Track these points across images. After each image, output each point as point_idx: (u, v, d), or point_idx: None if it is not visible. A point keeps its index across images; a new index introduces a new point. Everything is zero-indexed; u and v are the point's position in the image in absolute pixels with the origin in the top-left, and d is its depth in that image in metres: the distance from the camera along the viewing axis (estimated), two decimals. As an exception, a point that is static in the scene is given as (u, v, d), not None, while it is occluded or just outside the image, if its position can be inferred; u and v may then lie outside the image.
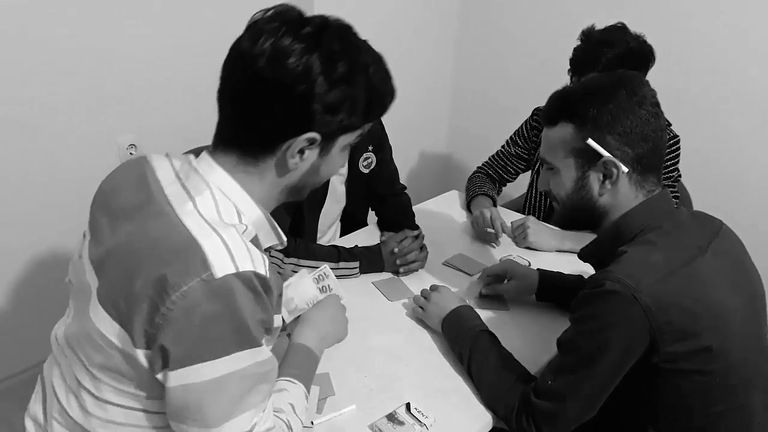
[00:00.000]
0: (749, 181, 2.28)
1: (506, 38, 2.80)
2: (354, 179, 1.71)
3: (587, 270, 1.16)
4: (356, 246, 1.56)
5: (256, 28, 0.77)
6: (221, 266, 0.72)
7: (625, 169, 0.99)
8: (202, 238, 0.74)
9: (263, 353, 0.78)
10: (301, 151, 0.81)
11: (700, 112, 2.29)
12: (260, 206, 0.85)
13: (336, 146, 0.84)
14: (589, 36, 1.64)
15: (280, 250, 1.47)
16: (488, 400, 1.10)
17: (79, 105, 1.89)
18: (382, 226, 1.77)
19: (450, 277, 1.55)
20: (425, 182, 2.95)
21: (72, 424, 0.86)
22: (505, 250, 1.70)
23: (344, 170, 1.68)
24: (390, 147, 1.77)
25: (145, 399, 0.81)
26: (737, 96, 2.22)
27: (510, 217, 1.86)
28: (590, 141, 0.98)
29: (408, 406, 1.08)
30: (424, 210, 1.92)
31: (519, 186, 2.18)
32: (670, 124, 1.72)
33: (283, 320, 1.12)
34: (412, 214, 1.78)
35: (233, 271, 0.72)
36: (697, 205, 1.94)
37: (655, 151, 1.02)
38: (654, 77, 1.32)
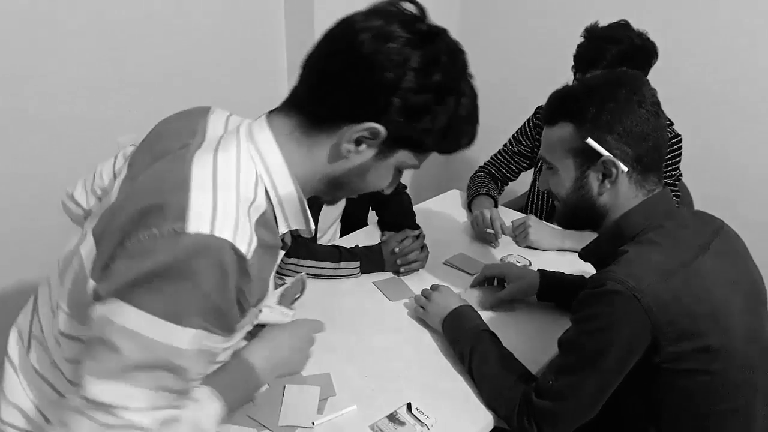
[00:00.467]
0: (752, 180, 2.28)
1: (508, 37, 2.80)
2: None
3: (588, 270, 1.16)
4: (357, 246, 1.56)
5: (374, 8, 0.75)
6: (197, 223, 0.67)
7: (624, 168, 0.99)
8: (194, 189, 0.70)
9: (187, 343, 0.68)
10: (359, 142, 0.76)
11: (702, 111, 2.28)
12: (296, 183, 0.79)
13: (393, 157, 0.80)
14: (592, 33, 1.65)
15: (280, 250, 1.47)
16: (489, 400, 1.10)
17: (80, 105, 1.89)
18: (383, 225, 1.77)
19: (451, 276, 1.55)
20: (426, 182, 2.95)
21: (44, 348, 0.86)
22: (505, 249, 1.70)
23: None
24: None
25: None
26: (740, 95, 2.21)
27: (511, 216, 1.85)
28: (589, 140, 0.98)
29: (409, 406, 1.08)
30: (424, 209, 1.92)
31: (522, 183, 2.18)
32: (671, 123, 1.72)
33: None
34: (413, 214, 1.78)
35: (207, 232, 0.66)
36: (699, 205, 1.94)
37: (656, 150, 1.02)
38: (656, 76, 1.32)
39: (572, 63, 1.68)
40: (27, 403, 0.89)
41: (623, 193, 1.02)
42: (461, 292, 1.41)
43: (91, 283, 0.74)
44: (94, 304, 0.69)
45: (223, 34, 2.21)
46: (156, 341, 0.66)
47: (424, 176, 2.97)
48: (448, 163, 3.08)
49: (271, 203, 0.78)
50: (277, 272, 1.47)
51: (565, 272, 1.44)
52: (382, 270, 1.54)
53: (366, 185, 0.84)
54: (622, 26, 1.63)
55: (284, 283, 1.41)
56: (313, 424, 1.03)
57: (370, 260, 1.52)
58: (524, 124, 1.98)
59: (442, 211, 1.94)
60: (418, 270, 1.56)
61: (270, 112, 0.81)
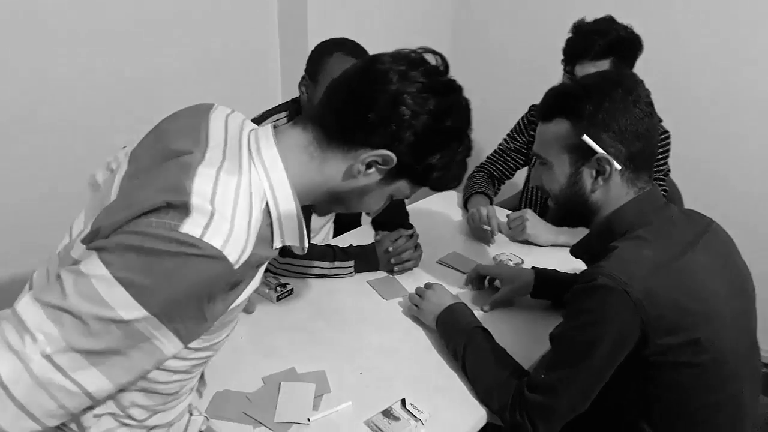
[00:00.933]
0: (740, 178, 2.31)
1: (501, 40, 2.83)
2: None
3: (581, 267, 1.17)
4: (351, 245, 1.57)
5: (403, 53, 0.84)
6: (191, 227, 0.68)
7: (618, 166, 1.00)
8: (195, 196, 0.70)
9: (133, 318, 0.66)
10: (370, 165, 0.83)
11: (691, 109, 2.32)
12: (297, 201, 0.82)
13: (393, 185, 0.87)
14: (579, 27, 1.69)
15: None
16: (482, 395, 1.12)
17: (76, 109, 1.90)
18: (376, 225, 1.78)
19: (444, 275, 1.56)
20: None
21: None
22: (498, 248, 1.72)
23: None
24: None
25: None
26: (729, 93, 2.25)
27: (503, 215, 1.87)
28: (585, 137, 1.00)
29: (403, 401, 1.09)
30: (419, 209, 1.94)
31: (511, 186, 2.20)
32: (660, 120, 1.74)
33: None
34: (406, 214, 1.79)
35: (197, 235, 0.68)
36: (688, 203, 1.96)
37: (648, 149, 1.05)
38: (645, 74, 1.33)
39: (562, 57, 1.71)
40: None
41: (615, 190, 1.03)
42: (457, 293, 1.42)
43: (81, 248, 0.74)
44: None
45: (220, 38, 2.23)
46: (104, 299, 0.65)
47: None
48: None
49: (270, 218, 0.81)
50: (272, 272, 1.48)
51: (558, 270, 1.45)
52: (376, 269, 1.55)
53: (361, 205, 0.91)
54: (608, 20, 1.68)
55: (278, 282, 1.43)
56: (309, 420, 1.04)
57: (364, 259, 1.54)
58: (518, 121, 2.01)
59: (436, 210, 1.96)
60: (412, 269, 1.57)
61: (284, 125, 0.87)
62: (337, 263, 1.50)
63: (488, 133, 2.12)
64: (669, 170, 1.82)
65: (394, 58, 0.83)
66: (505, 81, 2.84)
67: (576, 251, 1.12)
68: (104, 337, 0.66)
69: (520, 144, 1.99)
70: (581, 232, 1.14)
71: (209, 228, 0.69)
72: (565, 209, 1.10)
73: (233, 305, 0.79)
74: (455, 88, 0.85)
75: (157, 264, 0.67)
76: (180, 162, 0.76)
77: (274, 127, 0.86)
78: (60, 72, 1.84)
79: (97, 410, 0.78)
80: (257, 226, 0.76)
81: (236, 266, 0.71)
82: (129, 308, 0.66)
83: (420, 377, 1.18)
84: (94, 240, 0.71)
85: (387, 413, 1.07)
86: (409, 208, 1.84)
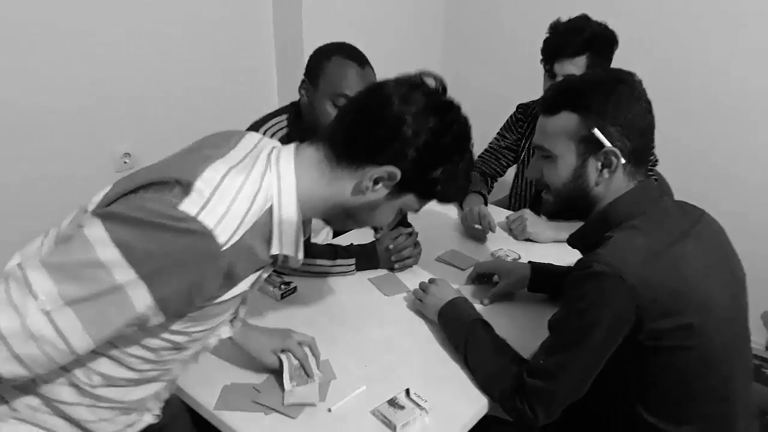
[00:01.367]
0: (728, 172, 2.38)
1: (491, 41, 2.90)
2: None
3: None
4: (352, 244, 1.60)
5: (404, 78, 0.91)
6: (189, 205, 0.75)
7: (623, 160, 1.03)
8: (200, 181, 0.78)
9: (123, 279, 0.73)
10: (377, 182, 0.89)
11: (676, 103, 2.40)
12: (299, 210, 0.89)
13: (400, 199, 0.93)
14: (556, 27, 1.75)
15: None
16: (483, 385, 1.15)
17: (75, 114, 1.92)
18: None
19: (443, 272, 1.60)
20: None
21: None
22: (495, 244, 1.76)
23: None
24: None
25: None
26: (711, 91, 2.33)
27: (500, 214, 1.92)
28: (596, 130, 1.02)
29: (407, 391, 1.12)
30: (416, 209, 1.97)
31: (502, 188, 2.26)
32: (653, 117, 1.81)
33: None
34: (405, 214, 1.82)
35: (193, 214, 0.75)
36: (679, 196, 2.01)
37: (648, 145, 1.09)
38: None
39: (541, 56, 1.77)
40: None
41: (616, 183, 1.06)
42: (457, 289, 1.46)
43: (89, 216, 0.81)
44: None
45: (219, 44, 2.26)
46: (98, 257, 0.72)
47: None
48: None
49: (272, 221, 0.87)
50: (275, 270, 1.51)
51: (554, 264, 1.49)
52: (377, 267, 1.59)
53: (372, 220, 0.98)
54: (582, 18, 1.74)
55: (282, 281, 1.46)
56: (330, 410, 1.08)
57: (365, 257, 1.57)
58: (507, 120, 2.09)
59: (433, 210, 1.97)
60: (411, 266, 1.61)
61: (298, 144, 0.94)
62: (339, 261, 1.54)
63: (480, 130, 2.17)
64: (657, 161, 1.87)
65: (396, 83, 0.89)
66: (495, 81, 2.91)
67: (572, 241, 1.16)
68: (90, 284, 0.73)
69: (510, 141, 2.06)
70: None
71: (205, 208, 0.76)
72: (566, 202, 1.12)
73: (222, 298, 0.86)
74: (453, 107, 0.91)
75: (152, 233, 0.74)
76: (203, 154, 0.85)
77: (299, 144, 0.94)
78: (55, 83, 1.87)
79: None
80: (254, 218, 0.83)
81: (224, 247, 0.78)
82: (119, 267, 0.73)
83: (423, 368, 1.21)
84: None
85: (392, 402, 1.10)
86: (406, 208, 1.88)
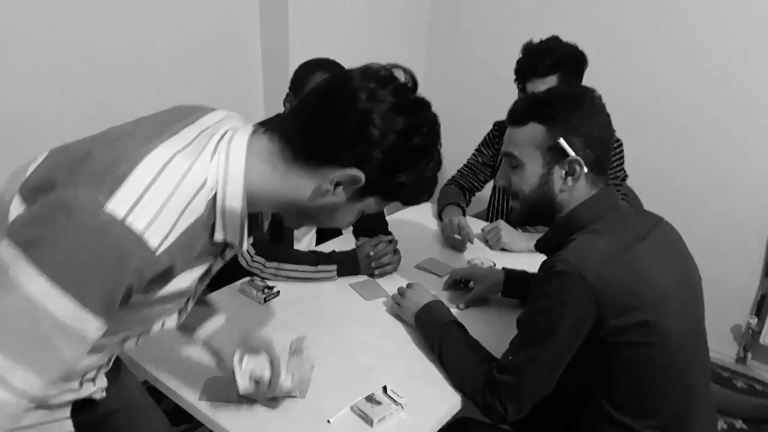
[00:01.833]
0: (687, 183, 2.50)
1: (470, 66, 3.02)
2: None
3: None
4: (333, 251, 1.66)
5: (373, 69, 0.83)
6: (116, 204, 0.69)
7: (585, 169, 1.11)
8: (136, 173, 0.72)
9: (35, 291, 0.66)
10: (338, 184, 0.83)
11: (641, 120, 2.53)
12: (244, 202, 0.83)
13: (363, 202, 0.87)
14: (528, 48, 1.84)
15: (260, 254, 1.56)
16: (457, 382, 1.20)
17: (59, 120, 1.94)
18: (357, 233, 1.87)
19: (422, 278, 1.65)
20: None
21: None
22: (472, 253, 1.83)
23: None
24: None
25: None
26: (677, 105, 2.45)
27: (478, 225, 1.99)
28: (561, 140, 1.10)
29: (384, 388, 1.17)
30: (399, 219, 2.05)
31: (480, 202, 2.34)
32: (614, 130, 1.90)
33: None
34: (386, 222, 1.89)
35: (120, 217, 0.69)
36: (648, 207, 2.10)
37: (607, 155, 1.17)
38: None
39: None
40: None
41: (579, 191, 1.14)
42: (434, 294, 1.51)
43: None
44: None
45: (216, 44, 2.31)
46: (29, 298, 0.66)
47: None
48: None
49: (215, 212, 0.82)
50: (259, 275, 1.56)
51: (527, 271, 1.56)
52: (357, 273, 1.64)
53: (330, 222, 0.92)
54: (553, 39, 1.84)
55: (265, 285, 1.51)
56: (329, 421, 1.10)
57: (346, 264, 1.62)
58: (485, 137, 2.17)
59: (414, 220, 2.07)
60: (391, 273, 1.67)
61: (256, 129, 0.86)
62: (321, 267, 1.59)
63: (459, 146, 2.25)
64: (626, 176, 1.96)
65: (363, 76, 0.82)
66: (475, 98, 3.02)
67: (539, 245, 1.22)
68: (26, 330, 0.67)
69: (487, 158, 2.14)
70: None
71: (135, 208, 0.70)
72: (533, 209, 1.18)
73: (162, 292, 0.81)
74: (423, 106, 0.85)
75: (78, 252, 0.67)
76: (151, 132, 0.79)
77: (254, 131, 0.86)
78: (46, 92, 1.90)
79: None
80: (196, 214, 0.78)
81: (159, 251, 0.73)
82: (27, 277, 0.66)
83: (400, 368, 1.26)
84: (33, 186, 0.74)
85: (370, 398, 1.14)
86: (390, 218, 1.95)
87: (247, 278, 1.56)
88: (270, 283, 1.53)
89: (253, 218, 0.90)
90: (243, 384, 1.03)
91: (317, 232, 1.94)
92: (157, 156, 0.75)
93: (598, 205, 1.13)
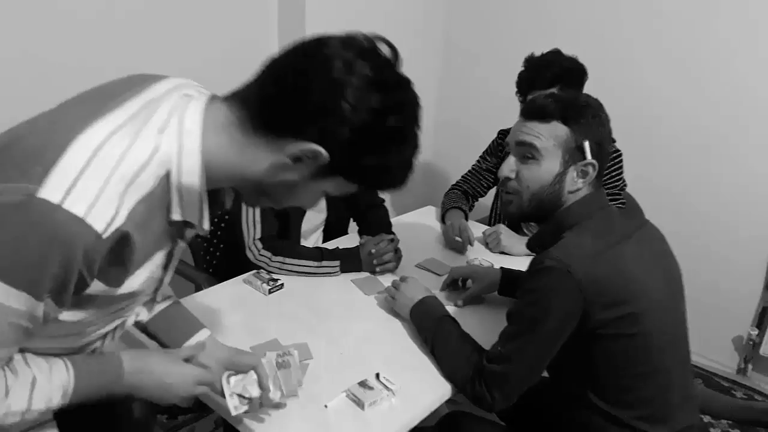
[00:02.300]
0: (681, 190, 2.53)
1: (490, 63, 3.06)
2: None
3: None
4: (337, 248, 1.72)
5: (351, 38, 0.75)
6: (50, 190, 0.65)
7: (594, 173, 1.17)
8: (70, 154, 0.68)
9: (20, 301, 0.67)
10: (298, 159, 0.75)
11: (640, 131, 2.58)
12: (203, 177, 0.77)
13: (326, 182, 0.79)
14: (530, 61, 1.90)
15: (268, 249, 1.63)
16: (448, 373, 1.25)
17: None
18: (362, 233, 1.94)
19: (422, 277, 1.70)
20: (405, 198, 3.14)
21: None
22: (471, 254, 1.89)
23: None
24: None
25: None
26: (675, 117, 2.48)
27: (480, 228, 2.05)
28: (586, 143, 1.15)
29: (377, 375, 1.23)
30: (403, 222, 2.11)
31: (481, 210, 2.40)
32: (614, 140, 1.95)
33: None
34: (389, 224, 1.95)
35: (56, 201, 0.65)
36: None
37: (607, 163, 1.23)
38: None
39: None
40: None
41: (582, 193, 1.19)
42: (427, 288, 1.56)
43: None
44: None
45: (215, 42, 2.34)
46: None
47: (404, 193, 3.17)
48: (425, 183, 3.30)
49: (170, 188, 0.76)
50: (265, 269, 1.63)
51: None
52: (359, 270, 1.70)
53: (290, 200, 0.84)
54: (554, 53, 1.89)
55: (270, 277, 1.57)
56: (326, 406, 1.15)
57: (349, 260, 1.69)
58: (490, 144, 2.23)
59: (418, 222, 2.13)
60: (392, 270, 1.72)
61: (213, 97, 0.80)
62: (324, 263, 1.66)
63: (476, 151, 2.32)
64: (625, 184, 2.01)
65: (343, 44, 0.73)
66: (482, 109, 3.09)
67: (531, 244, 1.28)
68: None
69: (491, 164, 2.19)
70: None
71: (71, 193, 0.66)
72: (539, 203, 1.19)
73: (128, 281, 0.78)
74: (403, 84, 0.77)
75: (13, 243, 0.65)
76: (87, 109, 0.74)
77: (211, 100, 0.79)
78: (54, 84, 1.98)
79: None
80: (141, 192, 0.72)
81: (105, 234, 0.68)
82: None
83: (394, 357, 1.32)
84: None
85: (363, 384, 1.20)
86: (394, 221, 2.02)
87: (254, 271, 1.63)
88: (275, 276, 1.60)
89: (213, 195, 0.83)
90: (233, 405, 1.01)
91: (324, 232, 2.01)
92: (89, 138, 0.70)
93: (588, 205, 1.18)
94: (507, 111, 2.21)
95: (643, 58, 2.52)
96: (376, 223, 1.93)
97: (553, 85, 1.81)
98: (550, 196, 1.18)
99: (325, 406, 1.15)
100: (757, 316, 2.45)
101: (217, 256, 2.04)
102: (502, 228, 1.93)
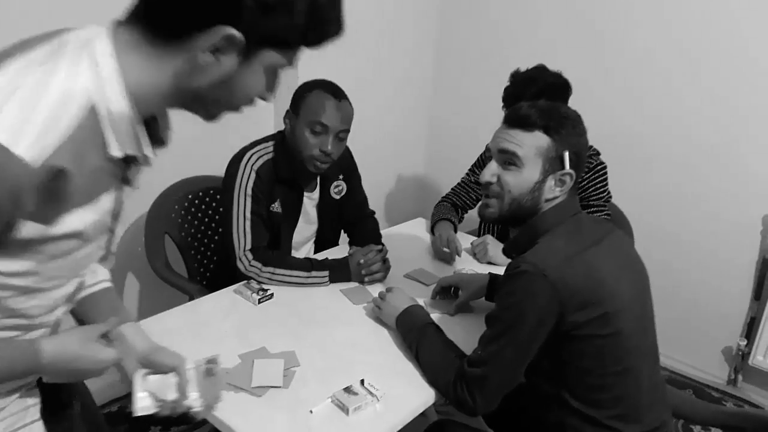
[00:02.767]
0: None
1: (482, 78, 3.11)
2: (326, 205, 1.93)
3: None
4: (326, 258, 1.76)
5: None
6: None
7: (572, 182, 1.21)
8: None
9: None
10: (218, 51, 0.71)
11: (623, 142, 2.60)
12: (130, 101, 0.73)
13: (258, 59, 0.74)
14: (515, 77, 1.94)
15: (257, 259, 1.67)
16: (431, 378, 1.28)
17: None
18: (352, 244, 1.97)
19: (410, 287, 1.74)
20: (396, 211, 3.18)
21: None
22: (459, 264, 1.92)
23: (316, 195, 1.89)
24: (359, 175, 2.01)
25: None
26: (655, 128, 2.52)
27: (469, 240, 2.08)
28: (566, 154, 1.19)
29: (362, 381, 1.25)
30: (393, 233, 2.15)
31: (470, 222, 2.43)
32: (599, 153, 2.00)
33: None
34: (379, 235, 1.99)
35: None
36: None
37: (582, 172, 1.28)
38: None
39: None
40: None
41: (559, 201, 1.23)
42: (423, 303, 1.58)
43: None
44: None
45: None
46: None
47: (394, 206, 3.22)
48: (416, 196, 3.34)
49: (99, 121, 0.72)
50: (254, 279, 1.66)
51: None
52: (348, 280, 1.73)
53: (236, 97, 0.78)
54: (539, 69, 1.93)
55: (260, 287, 1.61)
56: (312, 411, 1.17)
57: (338, 270, 1.72)
58: (478, 157, 2.28)
59: (408, 234, 2.17)
60: (381, 280, 1.75)
61: (115, 24, 0.75)
62: (314, 273, 1.69)
63: (469, 160, 2.35)
64: (611, 196, 2.04)
65: None
66: (475, 122, 3.13)
67: (506, 250, 1.32)
68: None
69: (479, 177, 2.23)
70: None
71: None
72: (517, 209, 1.23)
73: (70, 223, 0.73)
74: None
75: None
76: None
77: (117, 23, 0.75)
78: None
79: None
80: (69, 125, 0.68)
81: (37, 165, 0.65)
82: None
83: (379, 364, 1.34)
84: None
85: (348, 390, 1.23)
86: (384, 232, 2.05)
87: (244, 281, 1.66)
88: (264, 286, 1.63)
89: (149, 127, 0.80)
90: (142, 405, 0.95)
91: (315, 244, 2.04)
92: (2, 74, 0.67)
93: (562, 211, 1.22)
94: (497, 125, 2.25)
95: (628, 68, 2.57)
96: (366, 235, 1.96)
97: (536, 99, 1.84)
98: (529, 202, 1.22)
99: (311, 412, 1.17)
100: (745, 327, 2.47)
101: (210, 268, 2.07)
102: (489, 239, 1.97)
